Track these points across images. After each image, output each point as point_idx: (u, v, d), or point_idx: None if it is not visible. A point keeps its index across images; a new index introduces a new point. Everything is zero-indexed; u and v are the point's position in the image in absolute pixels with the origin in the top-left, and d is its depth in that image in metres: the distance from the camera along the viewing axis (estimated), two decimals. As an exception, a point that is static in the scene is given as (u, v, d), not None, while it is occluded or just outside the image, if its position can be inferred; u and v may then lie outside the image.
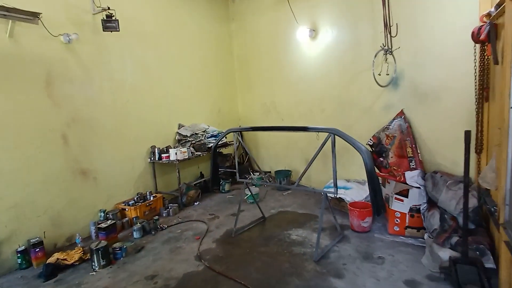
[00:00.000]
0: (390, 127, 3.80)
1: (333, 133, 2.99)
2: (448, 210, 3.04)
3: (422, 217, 3.23)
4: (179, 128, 5.50)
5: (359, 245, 3.33)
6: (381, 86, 3.86)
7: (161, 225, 4.10)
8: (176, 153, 4.72)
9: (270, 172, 6.44)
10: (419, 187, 3.25)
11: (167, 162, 4.76)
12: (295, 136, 5.56)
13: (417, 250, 3.11)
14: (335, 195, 3.16)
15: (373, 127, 4.17)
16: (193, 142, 5.33)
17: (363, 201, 3.95)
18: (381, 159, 3.87)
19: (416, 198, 3.30)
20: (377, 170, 3.91)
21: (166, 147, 5.08)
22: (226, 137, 6.07)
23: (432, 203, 3.22)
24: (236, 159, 6.14)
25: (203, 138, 5.44)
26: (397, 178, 3.48)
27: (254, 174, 5.96)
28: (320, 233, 3.19)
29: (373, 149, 4.00)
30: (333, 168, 3.09)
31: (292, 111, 5.66)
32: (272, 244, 3.47)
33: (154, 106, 5.02)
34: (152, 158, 4.88)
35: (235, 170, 6.16)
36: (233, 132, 3.89)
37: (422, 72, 3.58)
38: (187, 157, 4.86)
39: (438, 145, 3.52)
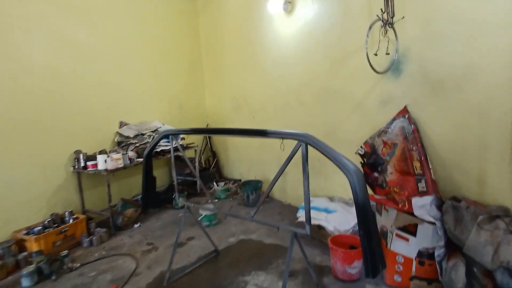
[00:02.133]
0: (389, 130, 2.71)
1: (303, 141, 1.89)
2: (479, 261, 1.97)
3: (438, 267, 2.15)
4: (120, 127, 4.32)
5: (343, 305, 2.25)
6: (377, 72, 2.76)
7: (71, 264, 2.93)
8: (105, 161, 3.55)
9: (240, 180, 5.33)
10: (433, 223, 2.17)
11: (93, 172, 3.58)
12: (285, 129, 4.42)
13: (430, 319, 2.05)
14: (308, 232, 2.05)
15: (366, 128, 3.09)
16: (137, 145, 4.17)
17: (350, 233, 2.87)
18: (376, 174, 2.78)
19: (428, 238, 2.22)
20: (370, 191, 2.83)
21: (100, 151, 3.90)
22: (184, 138, 4.95)
23: (453, 247, 2.15)
24: (197, 165, 5.03)
25: (150, 140, 4.27)
26: (400, 205, 2.39)
27: (218, 185, 4.82)
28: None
29: (365, 160, 2.91)
30: (305, 195, 1.98)
31: (266, 105, 4.54)
32: (217, 301, 2.36)
33: (83, 98, 3.83)
34: (77, 167, 3.70)
35: (196, 179, 5.09)
36: (170, 135, 2.75)
37: (436, 51, 2.48)
38: (122, 165, 3.69)
39: (458, 157, 2.44)
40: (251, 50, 4.59)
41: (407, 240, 2.30)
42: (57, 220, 3.42)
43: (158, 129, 4.58)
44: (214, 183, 4.84)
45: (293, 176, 4.12)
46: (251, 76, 4.71)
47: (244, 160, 5.21)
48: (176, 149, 4.45)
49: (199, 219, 3.80)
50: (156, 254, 3.14)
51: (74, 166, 3.71)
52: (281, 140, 2.09)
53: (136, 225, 3.85)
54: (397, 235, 2.36)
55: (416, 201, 2.27)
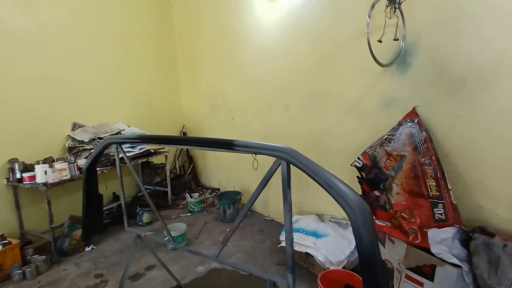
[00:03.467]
0: (394, 138, 2.16)
1: (285, 159, 1.32)
2: (525, 324, 1.44)
3: (465, 326, 1.61)
4: (73, 130, 3.65)
5: None
6: (381, 64, 2.21)
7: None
8: (45, 172, 2.89)
9: (219, 189, 4.73)
10: (458, 265, 1.62)
11: (30, 185, 2.92)
12: (266, 134, 3.82)
13: None
14: (291, 286, 1.47)
15: (363, 136, 2.55)
16: (92, 151, 3.50)
17: (345, 265, 2.31)
18: (377, 192, 2.23)
19: (450, 284, 1.66)
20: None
21: (45, 159, 3.24)
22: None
23: (486, 300, 1.61)
24: (168, 173, 4.39)
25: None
26: (410, 237, 1.85)
27: (191, 196, 4.20)
28: None
29: (363, 174, 2.36)
30: (287, 233, 1.41)
31: (246, 107, 3.95)
32: None
33: (18, 95, 3.15)
34: (12, 178, 3.02)
35: (167, 189, 4.42)
36: (113, 143, 2.12)
37: (456, 38, 1.94)
38: (68, 177, 3.04)
39: (484, 175, 1.90)
40: (229, 43, 3.99)
41: (421, 285, 1.75)
42: (-18, 246, 2.75)
43: (121, 132, 3.94)
44: (187, 194, 4.21)
45: (277, 188, 3.50)
46: (229, 73, 4.11)
47: (222, 167, 4.62)
48: (134, 157, 3.82)
49: (165, 239, 3.17)
50: (104, 292, 2.51)
51: (8, 178, 3.03)
52: (254, 156, 1.51)
53: (87, 249, 3.20)
54: (407, 276, 1.81)
55: (434, 234, 1.72)
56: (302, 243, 2.54)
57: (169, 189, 4.35)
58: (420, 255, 1.75)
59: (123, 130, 3.98)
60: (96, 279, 2.67)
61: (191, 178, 5.07)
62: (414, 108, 2.17)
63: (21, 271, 2.69)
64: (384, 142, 2.21)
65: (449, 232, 1.70)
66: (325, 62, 2.84)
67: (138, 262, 2.90)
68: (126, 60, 4.29)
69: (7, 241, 2.83)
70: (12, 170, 3.00)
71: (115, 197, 4.05)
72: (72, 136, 3.56)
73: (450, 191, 1.86)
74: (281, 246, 2.78)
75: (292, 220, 2.95)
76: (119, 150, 2.11)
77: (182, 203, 4.41)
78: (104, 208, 3.78)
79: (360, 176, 2.40)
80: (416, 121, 2.11)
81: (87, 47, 3.78)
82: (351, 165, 2.44)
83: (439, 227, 1.76)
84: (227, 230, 3.53)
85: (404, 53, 2.19)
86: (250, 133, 3.91)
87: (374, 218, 2.21)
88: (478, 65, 1.85)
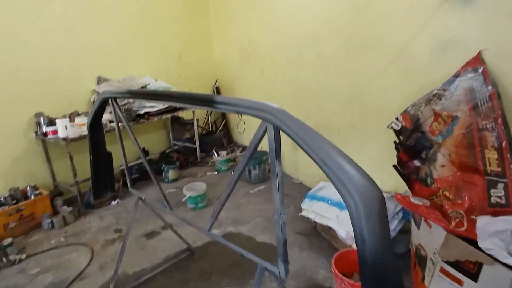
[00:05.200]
0: (447, 94, 1.64)
1: (271, 122, 0.98)
2: None
3: None
4: (98, 84, 3.59)
5: None
6: (435, -8, 1.63)
7: (13, 256, 2.40)
8: (65, 127, 2.87)
9: (249, 147, 4.50)
10: (516, 269, 1.21)
11: (53, 140, 2.95)
12: (297, 88, 3.45)
13: None
14: (282, 275, 1.20)
15: (408, 90, 2.03)
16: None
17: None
18: (417, 162, 1.79)
19: (501, 290, 1.27)
20: (404, 190, 1.89)
21: (71, 113, 3.25)
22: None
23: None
24: (196, 130, 4.24)
25: (131, 101, 3.52)
26: (453, 222, 1.43)
27: (219, 155, 4.03)
28: None
29: (402, 139, 1.90)
30: (277, 220, 1.11)
31: (276, 57, 3.52)
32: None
33: (39, 48, 3.07)
34: (39, 132, 3.08)
35: (195, 146, 4.31)
36: (110, 98, 1.92)
37: None
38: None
39: None
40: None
41: (459, 283, 1.37)
42: (17, 196, 2.90)
43: (147, 86, 3.80)
44: (214, 152, 4.05)
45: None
46: (259, 18, 3.63)
47: (254, 124, 4.33)
48: (160, 113, 3.68)
49: (183, 199, 3.10)
50: (120, 247, 2.51)
51: (36, 132, 3.09)
52: (239, 116, 1.19)
53: (114, 202, 3.26)
54: (443, 270, 1.44)
55: (486, 223, 1.29)
56: (324, 215, 2.24)
57: (197, 146, 4.24)
58: (462, 248, 1.35)
59: (149, 84, 3.82)
60: (115, 234, 2.70)
61: (223, 135, 4.89)
62: (479, 52, 1.60)
63: (50, 220, 2.81)
64: (432, 99, 1.70)
65: (509, 222, 1.26)
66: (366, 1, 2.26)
67: (157, 220, 2.86)
68: (151, 8, 4.00)
69: (38, 192, 2.96)
70: (39, 124, 3.04)
71: (145, 152, 4.04)
72: (97, 90, 3.51)
73: (519, 168, 1.37)
74: (301, 215, 2.51)
75: (317, 187, 2.64)
76: (114, 106, 1.91)
77: (211, 160, 4.29)
78: (133, 163, 3.79)
79: (398, 141, 1.95)
80: (480, 70, 1.55)
81: (108, -5, 3.55)
82: (388, 126, 1.98)
83: (495, 214, 1.32)
84: (251, 192, 3.34)
85: (473, -26, 1.58)
86: (279, 85, 3.53)
87: (411, 194, 1.80)
88: None
